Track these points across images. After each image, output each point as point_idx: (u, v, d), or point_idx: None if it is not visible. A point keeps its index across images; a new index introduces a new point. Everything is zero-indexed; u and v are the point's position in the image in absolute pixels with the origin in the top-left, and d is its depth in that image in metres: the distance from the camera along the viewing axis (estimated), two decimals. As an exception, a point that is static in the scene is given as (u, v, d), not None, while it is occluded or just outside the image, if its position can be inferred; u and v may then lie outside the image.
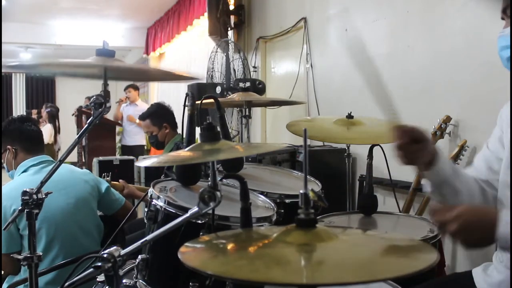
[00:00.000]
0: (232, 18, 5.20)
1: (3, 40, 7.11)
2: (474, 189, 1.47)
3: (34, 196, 1.30)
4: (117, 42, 9.32)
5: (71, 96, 11.84)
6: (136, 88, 7.35)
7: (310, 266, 0.80)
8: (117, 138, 7.79)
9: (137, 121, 7.34)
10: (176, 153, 1.32)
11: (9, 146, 2.28)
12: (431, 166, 1.40)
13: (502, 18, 1.44)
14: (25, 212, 1.31)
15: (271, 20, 4.76)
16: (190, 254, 0.86)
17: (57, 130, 9.43)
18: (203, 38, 6.23)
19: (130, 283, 1.43)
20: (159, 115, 3.58)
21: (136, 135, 7.40)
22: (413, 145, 1.36)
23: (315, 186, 2.04)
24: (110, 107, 1.31)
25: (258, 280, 0.72)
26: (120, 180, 2.78)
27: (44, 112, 9.56)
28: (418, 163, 1.40)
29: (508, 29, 1.39)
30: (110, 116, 7.47)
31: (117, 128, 7.61)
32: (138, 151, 6.97)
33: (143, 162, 1.69)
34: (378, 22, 3.19)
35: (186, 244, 0.89)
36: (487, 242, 1.17)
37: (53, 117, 9.37)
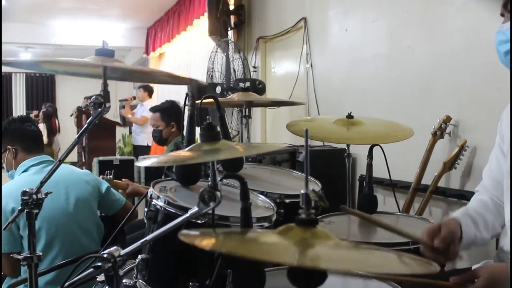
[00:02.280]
0: (232, 18, 5.20)
1: (3, 40, 7.12)
2: (493, 222, 1.51)
3: (34, 196, 1.30)
4: (117, 42, 9.32)
5: (71, 96, 11.87)
6: (146, 89, 7.34)
7: (305, 253, 0.81)
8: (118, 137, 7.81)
9: (129, 115, 7.37)
10: (176, 153, 1.32)
11: (9, 146, 2.28)
12: (460, 241, 1.42)
13: (502, 15, 1.43)
14: (24, 212, 1.31)
15: (271, 20, 4.76)
16: (190, 236, 0.87)
17: (56, 130, 9.43)
18: (203, 38, 6.23)
19: (130, 283, 1.43)
20: (170, 112, 3.59)
21: (137, 135, 7.40)
22: (450, 246, 1.36)
23: (315, 186, 2.04)
24: (109, 107, 1.30)
25: (255, 256, 0.72)
26: (123, 179, 2.79)
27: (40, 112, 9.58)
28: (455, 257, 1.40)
29: (507, 24, 1.39)
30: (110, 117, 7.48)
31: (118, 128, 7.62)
32: (140, 151, 6.97)
33: (143, 162, 1.69)
34: (378, 22, 3.19)
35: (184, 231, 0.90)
36: None
37: (48, 117, 9.37)
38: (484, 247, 2.30)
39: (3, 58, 1.28)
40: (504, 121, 1.54)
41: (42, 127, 8.97)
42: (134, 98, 7.64)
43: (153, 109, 3.71)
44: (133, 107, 7.65)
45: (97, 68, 1.37)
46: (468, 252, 2.48)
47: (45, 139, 8.77)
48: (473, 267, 1.54)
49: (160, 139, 3.59)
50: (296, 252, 0.80)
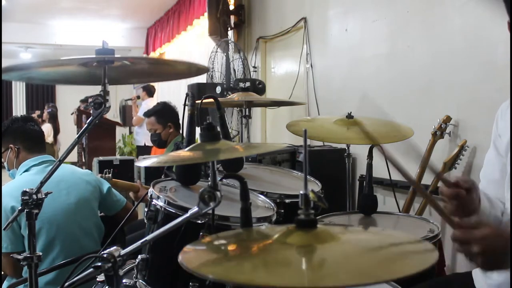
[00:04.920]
0: (232, 18, 5.20)
1: (3, 40, 7.12)
2: (497, 213, 1.48)
3: (34, 196, 1.30)
4: (117, 42, 9.32)
5: (71, 96, 11.84)
6: (145, 89, 7.38)
7: (310, 269, 0.80)
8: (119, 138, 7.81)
9: (133, 118, 7.40)
10: (176, 153, 1.32)
11: (11, 145, 2.28)
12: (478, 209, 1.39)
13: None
14: (24, 212, 1.31)
15: (271, 20, 4.76)
16: (191, 256, 0.86)
17: (57, 130, 9.44)
18: (203, 38, 6.23)
19: (130, 283, 1.43)
20: (164, 113, 3.59)
21: (137, 135, 7.43)
22: (469, 196, 1.33)
23: (315, 186, 2.04)
24: (109, 107, 1.30)
25: (258, 284, 0.72)
26: (138, 181, 2.79)
27: (45, 112, 9.59)
28: (474, 212, 1.36)
29: None
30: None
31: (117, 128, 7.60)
32: (140, 151, 6.99)
33: (143, 162, 1.69)
34: (378, 22, 3.19)
35: (187, 246, 0.89)
36: (507, 266, 1.13)
37: (54, 117, 9.38)
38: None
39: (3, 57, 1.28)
40: (500, 120, 1.53)
41: (49, 127, 8.98)
42: (139, 97, 7.67)
43: (147, 114, 3.71)
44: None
45: (97, 70, 1.36)
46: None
47: (51, 139, 8.78)
48: (473, 271, 1.54)
49: (159, 142, 3.59)
50: (302, 268, 0.79)
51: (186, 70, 1.51)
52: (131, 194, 2.69)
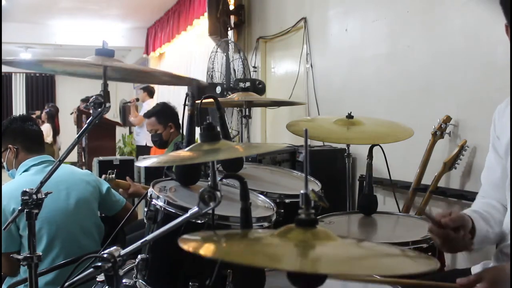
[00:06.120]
0: (232, 18, 5.20)
1: (3, 40, 7.12)
2: (501, 221, 1.49)
3: (34, 196, 1.30)
4: (117, 42, 9.32)
5: (71, 96, 11.85)
6: (145, 90, 7.38)
7: (306, 258, 0.81)
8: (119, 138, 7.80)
9: (132, 118, 7.41)
10: (176, 153, 1.32)
11: (10, 145, 2.27)
12: (474, 234, 1.39)
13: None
14: (24, 212, 1.31)
15: (271, 20, 4.76)
16: (190, 241, 0.87)
17: (59, 130, 9.43)
18: (203, 38, 6.23)
19: (130, 283, 1.43)
20: (165, 114, 3.61)
21: (137, 136, 7.44)
22: (457, 235, 1.34)
23: (315, 186, 2.04)
24: (109, 107, 1.30)
25: (256, 264, 0.73)
26: (127, 178, 2.79)
27: (43, 112, 9.59)
28: (464, 248, 1.38)
29: None
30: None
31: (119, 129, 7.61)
32: (140, 151, 6.99)
33: (143, 162, 1.69)
34: (378, 22, 3.19)
35: (186, 235, 0.89)
36: None
37: (52, 117, 9.37)
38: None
39: (3, 58, 1.28)
40: (498, 122, 1.53)
41: (47, 127, 8.98)
42: (137, 99, 7.68)
43: (147, 115, 3.73)
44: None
45: (97, 68, 1.37)
46: (467, 254, 2.48)
47: (49, 139, 8.78)
48: (472, 268, 1.54)
49: (160, 142, 3.60)
50: (298, 256, 0.80)
51: (187, 81, 1.51)
52: (121, 191, 2.68)
